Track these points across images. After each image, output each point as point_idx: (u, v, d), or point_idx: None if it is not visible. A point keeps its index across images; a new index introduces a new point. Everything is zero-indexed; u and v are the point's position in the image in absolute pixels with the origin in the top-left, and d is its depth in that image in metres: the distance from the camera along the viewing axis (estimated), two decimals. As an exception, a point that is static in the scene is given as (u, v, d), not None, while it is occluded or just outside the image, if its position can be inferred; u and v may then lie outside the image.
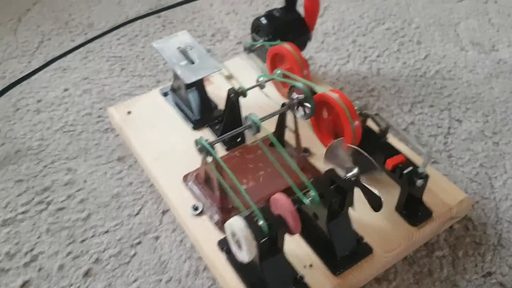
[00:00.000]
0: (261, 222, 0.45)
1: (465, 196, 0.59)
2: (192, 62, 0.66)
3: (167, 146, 0.66)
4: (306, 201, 0.46)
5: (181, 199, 0.59)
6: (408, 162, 0.55)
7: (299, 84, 0.57)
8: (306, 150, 0.64)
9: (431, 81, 0.81)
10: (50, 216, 0.62)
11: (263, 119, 0.56)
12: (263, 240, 0.44)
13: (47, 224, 0.61)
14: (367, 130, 0.60)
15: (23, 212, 0.63)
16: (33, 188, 0.65)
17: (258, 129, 0.54)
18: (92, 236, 0.60)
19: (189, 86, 0.68)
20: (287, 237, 0.48)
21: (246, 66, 0.79)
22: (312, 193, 0.47)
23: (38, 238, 0.60)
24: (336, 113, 0.58)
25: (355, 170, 0.48)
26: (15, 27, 0.95)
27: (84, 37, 0.92)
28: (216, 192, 0.56)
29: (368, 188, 0.48)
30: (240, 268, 0.51)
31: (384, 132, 0.59)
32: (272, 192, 0.57)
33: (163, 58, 0.68)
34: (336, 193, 0.48)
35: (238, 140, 0.66)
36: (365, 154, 0.47)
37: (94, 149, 0.71)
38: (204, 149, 0.52)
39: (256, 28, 0.75)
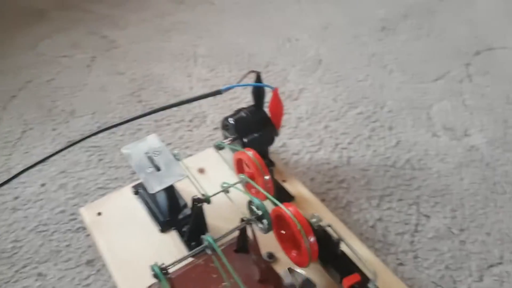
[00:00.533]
0: None
1: None
2: (158, 169, 0.68)
3: (132, 254, 0.67)
4: None
5: None
6: (364, 280, 0.56)
7: (256, 201, 0.58)
8: (271, 256, 0.65)
9: (400, 171, 0.82)
10: (16, 329, 0.63)
11: (222, 237, 0.58)
12: None
13: (12, 337, 0.62)
14: (326, 238, 0.61)
15: (-10, 324, 0.64)
16: (2, 297, 0.67)
17: (213, 250, 0.55)
18: None
19: (160, 195, 0.70)
20: None
21: (218, 159, 0.80)
22: None
23: None
24: (292, 228, 0.59)
25: None
26: (0, 115, 0.98)
27: (65, 125, 0.95)
28: None
29: None
30: None
31: (337, 244, 0.59)
32: None
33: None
34: None
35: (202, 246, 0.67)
36: (309, 279, 0.49)
37: (64, 251, 0.72)
38: (157, 277, 0.53)
39: (225, 126, 0.77)
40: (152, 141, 0.72)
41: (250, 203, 0.60)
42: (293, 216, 0.57)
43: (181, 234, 0.69)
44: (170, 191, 0.72)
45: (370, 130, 0.91)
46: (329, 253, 0.60)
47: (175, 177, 0.67)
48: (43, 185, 0.83)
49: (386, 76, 1.05)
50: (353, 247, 0.56)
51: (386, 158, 0.85)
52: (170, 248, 0.67)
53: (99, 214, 0.73)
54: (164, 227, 0.70)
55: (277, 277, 0.63)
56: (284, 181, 0.76)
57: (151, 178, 0.67)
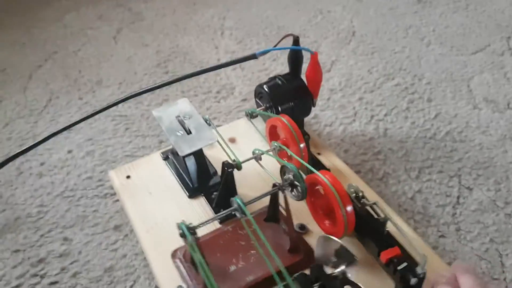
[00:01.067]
0: None
1: None
2: (189, 132, 0.65)
3: (160, 217, 0.65)
4: None
5: (168, 277, 0.57)
6: (405, 256, 0.52)
7: (290, 165, 0.55)
8: (302, 227, 0.61)
9: (440, 144, 0.78)
10: (42, 291, 0.61)
11: (252, 201, 0.55)
12: None
13: (39, 299, 0.60)
14: (367, 215, 0.56)
15: (17, 286, 0.62)
16: (29, 259, 0.65)
17: (243, 213, 0.52)
18: (82, 315, 0.59)
19: (190, 159, 0.67)
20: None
21: (249, 129, 0.77)
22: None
23: (28, 315, 0.59)
24: (328, 196, 0.55)
25: (342, 268, 0.45)
26: (25, 84, 0.97)
27: (92, 95, 0.93)
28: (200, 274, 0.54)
29: (357, 285, 0.45)
30: None
31: (382, 223, 0.55)
32: (261, 276, 0.55)
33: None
34: None
35: (233, 213, 0.64)
36: (346, 248, 0.45)
37: (91, 217, 0.70)
38: (184, 235, 0.50)
39: (259, 94, 0.74)
40: (183, 105, 0.69)
41: (282, 168, 0.57)
42: (329, 183, 0.54)
43: (210, 201, 0.67)
44: (200, 156, 0.69)
45: (408, 102, 0.87)
46: (369, 229, 0.56)
47: (205, 140, 0.64)
48: (69, 151, 0.81)
49: (424, 49, 1.00)
50: (401, 228, 0.52)
51: (426, 130, 0.81)
52: (199, 214, 0.65)
53: (128, 177, 0.71)
54: (193, 193, 0.68)
55: (308, 248, 0.59)
56: (319, 154, 0.73)
57: (181, 141, 0.64)
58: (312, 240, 0.60)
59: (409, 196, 0.70)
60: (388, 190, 0.71)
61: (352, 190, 0.55)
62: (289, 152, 0.61)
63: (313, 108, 0.73)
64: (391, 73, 0.94)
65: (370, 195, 0.65)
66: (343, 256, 0.49)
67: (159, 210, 0.66)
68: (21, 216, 0.71)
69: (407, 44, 1.02)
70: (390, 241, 0.55)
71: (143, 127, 0.86)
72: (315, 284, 0.45)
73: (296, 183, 0.55)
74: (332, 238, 0.52)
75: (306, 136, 0.70)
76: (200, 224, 0.53)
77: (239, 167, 0.61)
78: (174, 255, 0.60)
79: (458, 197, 0.69)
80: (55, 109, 0.90)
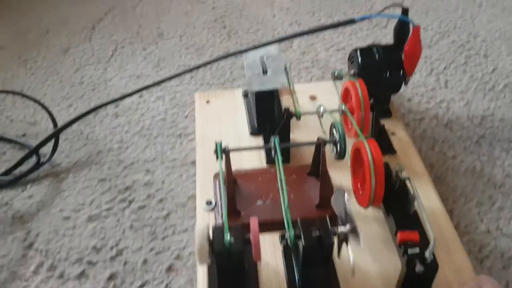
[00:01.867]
0: (226, 236, 0.46)
1: None
2: (265, 73, 0.68)
3: (218, 139, 0.68)
4: (286, 235, 0.47)
5: (205, 193, 0.62)
6: (422, 242, 0.48)
7: (337, 123, 0.57)
8: None
9: (500, 95, 0.81)
10: (133, 214, 0.65)
11: (290, 145, 0.61)
12: (220, 251, 0.46)
13: (130, 221, 0.65)
14: (399, 190, 0.55)
15: (107, 209, 0.66)
16: (116, 187, 0.69)
17: (276, 152, 0.55)
18: (173, 234, 0.63)
19: (260, 95, 0.70)
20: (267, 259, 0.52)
21: (333, 90, 0.76)
22: (290, 232, 0.47)
23: (123, 233, 0.63)
24: (364, 164, 0.54)
25: (347, 227, 0.47)
26: (89, 35, 1.00)
27: (155, 46, 0.97)
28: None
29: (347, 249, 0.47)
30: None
31: (409, 202, 0.53)
32: (276, 219, 0.55)
33: (241, 66, 0.71)
34: (316, 241, 0.47)
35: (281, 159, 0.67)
36: (353, 218, 0.46)
37: (169, 152, 0.74)
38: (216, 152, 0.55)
39: (351, 58, 0.73)
40: (272, 49, 0.72)
41: (332, 125, 0.59)
42: (368, 149, 0.53)
43: (266, 142, 0.70)
44: (270, 99, 0.71)
45: (465, 57, 0.89)
46: (396, 205, 0.55)
47: (276, 83, 0.67)
48: (141, 96, 0.85)
49: (476, 9, 1.03)
50: (425, 209, 0.50)
51: (485, 83, 0.83)
52: (251, 152, 0.68)
53: (208, 102, 0.77)
54: (254, 131, 0.71)
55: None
56: (393, 134, 0.70)
57: (254, 78, 0.67)
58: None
59: (474, 140, 0.73)
60: (453, 135, 0.74)
61: (398, 168, 0.54)
62: (349, 116, 0.61)
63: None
64: (446, 31, 0.96)
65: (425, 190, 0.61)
66: (348, 218, 0.48)
67: (220, 135, 0.71)
68: (103, 150, 0.75)
69: (459, 4, 1.04)
70: (413, 223, 0.52)
71: (207, 77, 0.89)
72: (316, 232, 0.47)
73: (338, 143, 0.57)
74: (341, 191, 0.50)
75: (387, 115, 0.71)
76: (235, 148, 0.57)
77: (298, 117, 0.63)
78: (216, 176, 0.63)
79: (521, 142, 0.73)
80: (122, 58, 0.94)
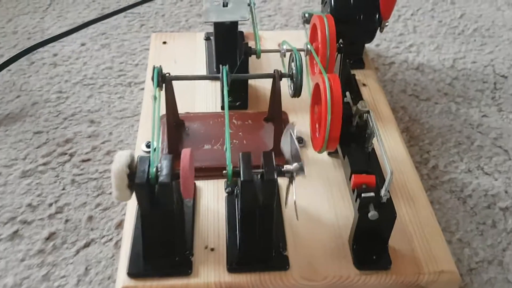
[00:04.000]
0: (151, 168, 0.39)
1: (451, 269, 0.43)
2: (225, 5, 0.61)
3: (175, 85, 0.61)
4: (224, 172, 0.40)
5: (148, 137, 0.53)
6: (378, 188, 0.41)
7: (296, 53, 0.50)
8: (300, 140, 0.55)
9: (470, 39, 0.77)
10: (75, 168, 0.57)
11: (238, 76, 0.53)
12: (141, 181, 0.39)
13: (72, 175, 0.56)
14: (360, 125, 0.47)
15: (44, 164, 0.57)
16: (54, 139, 0.60)
17: (223, 80, 0.49)
18: (123, 188, 0.55)
19: (219, 29, 0.63)
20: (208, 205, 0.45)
21: (303, 39, 0.67)
22: (229, 168, 0.40)
23: (63, 189, 0.54)
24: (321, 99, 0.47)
25: (293, 166, 0.40)
26: (24, -16, 0.89)
27: (99, -6, 0.87)
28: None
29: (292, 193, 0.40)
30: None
31: (367, 139, 0.46)
32: (218, 164, 0.50)
33: (197, 13, 0.63)
34: (259, 180, 0.41)
35: (238, 104, 0.60)
36: (299, 154, 0.40)
37: (117, 102, 0.66)
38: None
39: (324, 0, 0.65)
40: None
41: (290, 58, 0.52)
42: (328, 83, 0.45)
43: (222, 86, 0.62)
44: (230, 34, 0.64)
45: (432, 4, 0.85)
46: (356, 146, 0.47)
47: (236, 15, 0.59)
48: (83, 44, 0.75)
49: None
50: (384, 144, 0.43)
51: (454, 27, 0.80)
52: (209, 95, 0.61)
53: (165, 43, 0.68)
54: (212, 73, 0.64)
55: None
56: (364, 85, 0.63)
57: (212, 9, 0.60)
58: (307, 156, 0.53)
59: (447, 82, 0.69)
60: (425, 78, 0.70)
61: (363, 104, 0.45)
62: (314, 54, 0.54)
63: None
64: (412, -20, 0.92)
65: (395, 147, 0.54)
66: (294, 156, 0.41)
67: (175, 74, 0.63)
68: (39, 101, 0.65)
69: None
70: (371, 167, 0.44)
71: (159, 24, 0.80)
72: (256, 171, 0.40)
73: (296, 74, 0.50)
74: (291, 126, 0.42)
75: (359, 66, 0.64)
76: (176, 76, 0.50)
77: (257, 55, 0.57)
78: (162, 117, 0.54)
79: (495, 83, 0.69)
80: (61, 7, 0.83)
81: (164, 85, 0.49)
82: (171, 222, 0.43)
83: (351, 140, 0.47)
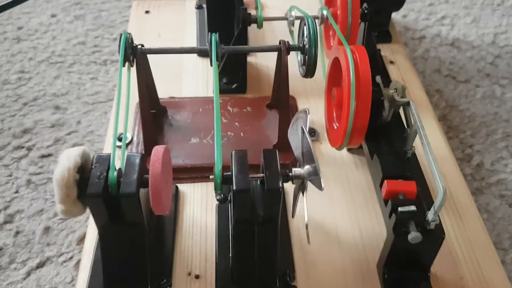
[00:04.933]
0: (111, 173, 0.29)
1: None
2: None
3: (154, 61, 0.50)
4: (211, 177, 0.29)
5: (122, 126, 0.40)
6: (420, 199, 0.31)
7: (309, 19, 0.38)
8: (312, 132, 0.44)
9: (510, 11, 0.65)
10: (32, 165, 0.46)
11: (234, 49, 0.41)
12: (96, 192, 0.28)
13: (28, 174, 0.45)
14: (393, 120, 0.36)
15: (-5, 160, 0.46)
16: (10, 129, 0.49)
17: (211, 53, 0.37)
18: (90, 191, 0.43)
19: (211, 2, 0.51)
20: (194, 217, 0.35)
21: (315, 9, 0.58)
22: (217, 171, 0.29)
23: (16, 192, 0.44)
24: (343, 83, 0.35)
25: (305, 169, 0.29)
26: None
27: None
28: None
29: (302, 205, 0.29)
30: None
31: (406, 138, 0.34)
32: (206, 163, 0.40)
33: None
34: (259, 187, 0.31)
35: (234, 86, 0.49)
36: (313, 155, 0.28)
37: (89, 84, 0.54)
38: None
39: None
40: None
41: (301, 24, 0.40)
42: (351, 57, 0.34)
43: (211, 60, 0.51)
44: (227, 8, 0.52)
45: (465, -31, 0.73)
46: (389, 144, 0.36)
47: None
48: (53, 16, 0.64)
49: None
50: (431, 151, 0.30)
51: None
52: (197, 71, 0.50)
53: (147, 12, 0.57)
54: (203, 51, 0.52)
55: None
56: (392, 62, 0.51)
57: None
58: (321, 152, 0.42)
59: (488, 61, 0.57)
60: (463, 55, 0.58)
61: (395, 88, 0.35)
62: (331, 22, 0.42)
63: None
64: None
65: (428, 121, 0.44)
66: (307, 156, 0.30)
67: (157, 56, 0.51)
68: (-4, 83, 0.54)
69: None
70: (409, 170, 0.33)
71: (144, -7, 0.69)
72: (255, 176, 0.30)
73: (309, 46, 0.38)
74: (302, 114, 0.31)
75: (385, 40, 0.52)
76: (151, 49, 0.38)
77: (259, 24, 0.45)
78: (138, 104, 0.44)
79: (544, 62, 0.57)
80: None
81: (135, 60, 0.38)
82: (141, 241, 0.32)
83: (382, 135, 0.36)
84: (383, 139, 0.36)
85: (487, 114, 0.51)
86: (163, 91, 0.45)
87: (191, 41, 0.53)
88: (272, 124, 0.44)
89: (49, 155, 0.47)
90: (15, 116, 0.50)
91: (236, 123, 0.45)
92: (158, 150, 0.29)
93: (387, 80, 0.48)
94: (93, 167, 0.30)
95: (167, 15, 0.57)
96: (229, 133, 0.44)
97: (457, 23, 0.63)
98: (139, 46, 0.38)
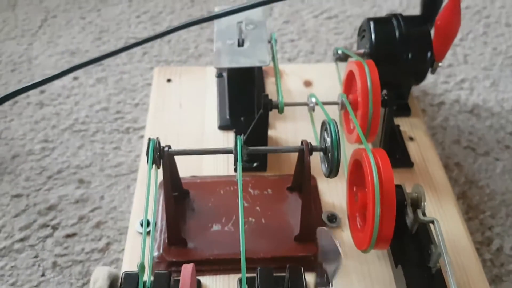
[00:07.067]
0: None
1: None
2: (241, 45, 0.50)
3: (174, 134, 0.51)
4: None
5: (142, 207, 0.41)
6: None
7: (330, 121, 0.38)
8: (333, 218, 0.43)
9: (532, 71, 0.65)
10: (57, 246, 0.47)
11: (259, 150, 0.42)
12: None
13: (53, 256, 0.46)
14: (418, 234, 0.37)
15: (21, 240, 0.47)
16: (35, 206, 0.50)
17: (236, 155, 0.38)
18: (114, 276, 0.44)
19: (232, 75, 0.52)
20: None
21: (333, 75, 0.55)
22: (243, 280, 0.30)
23: (42, 276, 0.45)
24: (366, 185, 0.36)
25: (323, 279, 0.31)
26: (13, 1, 0.79)
27: (97, 13, 0.76)
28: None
29: None
30: None
31: (432, 254, 0.35)
32: (231, 254, 0.39)
33: (208, 38, 0.52)
34: None
35: (255, 165, 0.49)
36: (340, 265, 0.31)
37: (112, 155, 0.55)
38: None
39: (362, 32, 0.53)
40: (255, 12, 0.53)
41: (323, 125, 0.40)
42: (374, 165, 0.35)
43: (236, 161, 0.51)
44: (248, 82, 0.53)
45: (483, 26, 0.73)
46: (414, 256, 0.37)
47: (253, 60, 0.48)
48: (75, 78, 0.65)
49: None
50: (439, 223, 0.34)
51: (510, 58, 0.67)
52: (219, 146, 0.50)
53: (169, 81, 0.58)
54: (223, 124, 0.53)
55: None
56: (411, 139, 0.51)
57: (225, 51, 0.49)
58: (343, 240, 0.42)
59: (508, 131, 0.57)
60: (482, 124, 0.58)
61: (415, 194, 0.37)
62: (350, 112, 0.42)
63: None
64: (458, -5, 0.80)
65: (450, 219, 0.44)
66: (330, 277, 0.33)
67: (179, 126, 0.52)
68: (21, 153, 0.55)
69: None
70: (436, 284, 0.34)
71: (165, 52, 0.69)
72: None
73: (328, 152, 0.39)
74: (324, 230, 0.36)
75: (405, 113, 0.52)
76: (178, 151, 0.39)
77: (280, 110, 0.45)
78: (161, 185, 0.43)
79: None
80: (53, 30, 0.73)
81: (161, 161, 0.39)
82: None
83: (407, 241, 0.36)
84: (407, 246, 0.36)
85: (507, 191, 0.51)
86: (184, 170, 0.45)
87: (212, 110, 0.54)
88: (293, 208, 0.45)
89: (74, 234, 0.48)
90: (40, 190, 0.51)
91: (257, 207, 0.45)
92: (186, 271, 0.30)
93: (407, 160, 0.49)
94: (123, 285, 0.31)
95: (188, 83, 0.58)
96: (250, 218, 0.44)
97: (476, 87, 0.63)
98: (166, 149, 0.38)
